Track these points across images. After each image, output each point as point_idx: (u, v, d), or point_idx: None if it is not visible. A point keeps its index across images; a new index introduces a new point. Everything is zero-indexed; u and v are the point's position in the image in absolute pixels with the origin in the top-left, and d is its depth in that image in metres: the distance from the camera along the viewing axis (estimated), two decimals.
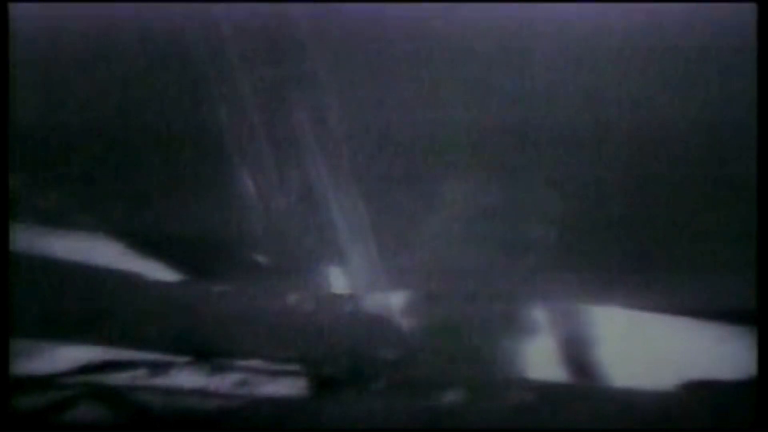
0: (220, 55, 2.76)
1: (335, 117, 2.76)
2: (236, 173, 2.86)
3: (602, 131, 2.65)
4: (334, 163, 2.79)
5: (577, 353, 2.63)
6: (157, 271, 2.86)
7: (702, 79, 2.57)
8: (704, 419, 2.23)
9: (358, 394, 2.45)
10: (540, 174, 2.72)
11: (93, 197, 2.95)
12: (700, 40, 2.54)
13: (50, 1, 2.79)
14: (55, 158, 2.93)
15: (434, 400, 2.37)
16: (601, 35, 2.59)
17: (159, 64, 2.82)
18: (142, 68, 2.84)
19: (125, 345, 2.60)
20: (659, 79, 2.60)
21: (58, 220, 2.93)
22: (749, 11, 2.39)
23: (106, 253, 2.88)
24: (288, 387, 2.52)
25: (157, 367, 2.56)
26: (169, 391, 2.47)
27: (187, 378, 2.53)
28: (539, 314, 2.68)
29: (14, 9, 2.64)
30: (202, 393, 2.47)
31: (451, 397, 2.37)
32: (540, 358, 2.63)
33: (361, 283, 2.82)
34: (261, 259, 2.91)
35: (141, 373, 2.55)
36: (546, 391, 2.47)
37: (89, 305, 2.67)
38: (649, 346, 2.59)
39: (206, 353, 2.59)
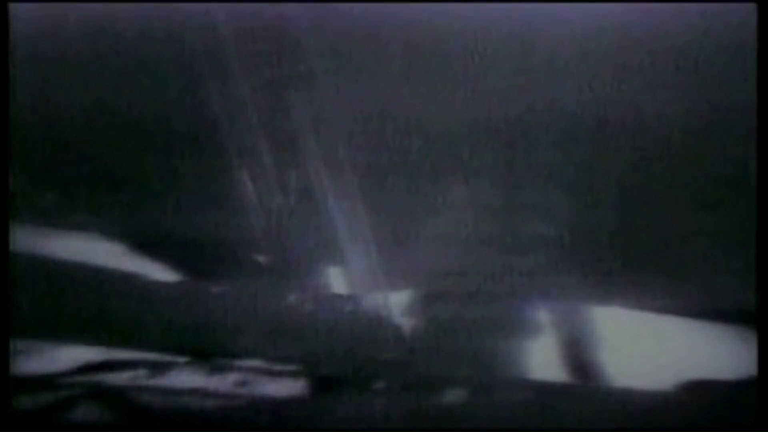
0: (220, 55, 2.76)
1: (335, 117, 2.76)
2: (236, 173, 2.86)
3: (602, 131, 2.65)
4: (334, 163, 2.79)
5: (577, 353, 2.63)
6: (157, 271, 2.86)
7: (702, 79, 2.57)
8: (704, 419, 2.23)
9: (358, 394, 2.45)
10: (540, 174, 2.72)
11: (93, 197, 2.95)
12: (700, 40, 2.54)
13: (50, 1, 2.79)
14: (55, 158, 2.93)
15: (434, 400, 2.37)
16: (601, 35, 2.59)
17: (159, 64, 2.82)
18: (142, 68, 2.84)
19: (125, 345, 2.60)
20: (659, 79, 2.60)
21: (58, 220, 2.93)
22: (749, 11, 2.39)
23: (106, 253, 2.88)
24: (288, 387, 2.52)
25: (157, 367, 2.56)
26: (169, 391, 2.47)
27: (187, 378, 2.53)
28: (539, 314, 2.68)
29: (14, 9, 2.64)
30: (202, 393, 2.47)
31: (451, 396, 2.37)
32: (540, 358, 2.63)
33: (361, 283, 2.82)
34: (261, 259, 2.91)
35: (141, 373, 2.55)
36: (545, 390, 2.47)
37: (89, 305, 2.67)
38: (649, 346, 2.59)
39: (206, 353, 2.59)
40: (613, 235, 2.69)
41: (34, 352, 2.57)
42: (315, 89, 2.76)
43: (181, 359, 2.59)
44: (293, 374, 2.55)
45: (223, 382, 2.52)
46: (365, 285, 2.81)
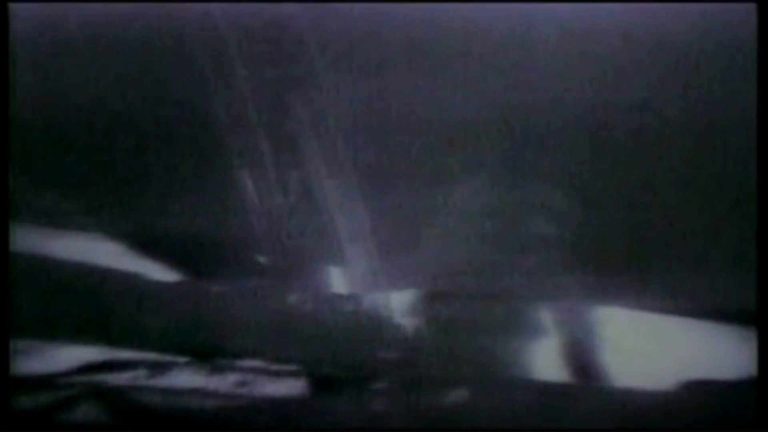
0: (220, 55, 2.76)
1: (335, 117, 2.76)
2: (236, 173, 2.86)
3: (602, 131, 2.65)
4: (334, 163, 2.79)
5: (577, 353, 2.63)
6: (157, 271, 2.86)
7: (702, 79, 2.57)
8: (704, 419, 2.23)
9: (358, 394, 2.45)
10: (541, 173, 2.72)
11: (93, 197, 2.95)
12: (700, 40, 2.54)
13: (50, 1, 2.79)
14: (55, 158, 2.93)
15: (435, 400, 2.37)
16: (601, 35, 2.59)
17: (159, 64, 2.82)
18: (142, 68, 2.84)
19: (125, 345, 2.60)
20: (659, 79, 2.60)
21: (58, 220, 2.92)
22: (749, 11, 2.39)
23: (106, 253, 2.88)
24: (288, 387, 2.51)
25: (157, 367, 2.56)
26: (169, 391, 2.47)
27: (187, 378, 2.53)
28: (539, 314, 2.68)
29: (14, 9, 2.64)
30: (202, 393, 2.47)
31: (452, 397, 2.37)
32: (540, 358, 2.63)
33: (361, 283, 2.82)
34: (261, 259, 2.91)
35: (141, 373, 2.55)
36: (546, 390, 2.47)
37: (89, 305, 2.67)
38: (649, 346, 2.59)
39: (206, 353, 2.59)
40: (614, 235, 2.69)
41: (34, 352, 2.57)
42: (315, 89, 2.76)
43: (181, 359, 2.59)
44: (293, 374, 2.54)
45: (223, 382, 2.52)
46: (366, 285, 2.81)
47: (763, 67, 2.33)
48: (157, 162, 2.89)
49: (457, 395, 2.37)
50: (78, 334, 2.61)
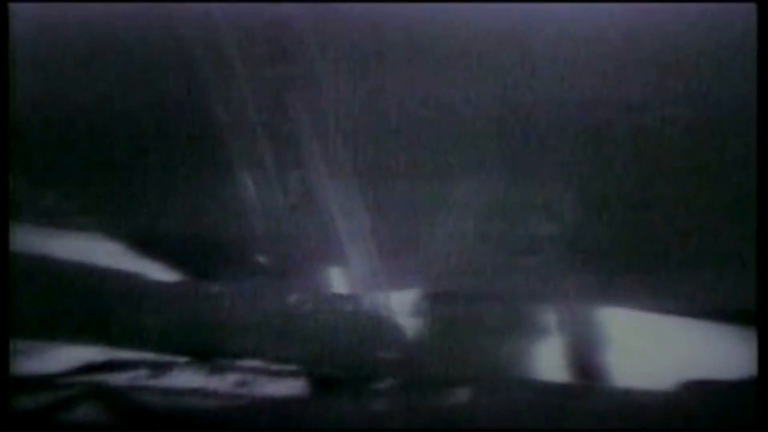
0: (220, 55, 2.76)
1: (335, 117, 2.76)
2: (236, 173, 2.86)
3: (602, 131, 2.65)
4: (334, 163, 2.79)
5: (577, 353, 2.63)
6: (157, 271, 2.86)
7: (702, 79, 2.57)
8: (704, 419, 2.23)
9: (358, 394, 2.45)
10: (541, 173, 2.72)
11: (93, 197, 2.95)
12: (700, 40, 2.54)
13: (50, 1, 2.79)
14: (55, 158, 2.93)
15: (436, 400, 2.37)
16: (601, 35, 2.59)
17: (159, 64, 2.82)
18: (142, 68, 2.84)
19: (125, 345, 2.60)
20: (659, 79, 2.60)
21: (58, 220, 2.93)
22: (749, 11, 2.39)
23: (106, 253, 2.88)
24: (288, 387, 2.51)
25: (157, 367, 2.56)
26: (169, 391, 2.47)
27: (187, 378, 2.53)
28: (540, 314, 2.68)
29: (14, 9, 2.64)
30: (202, 393, 2.47)
31: (452, 397, 2.37)
32: (540, 358, 2.63)
33: (361, 283, 2.82)
34: (261, 259, 2.91)
35: (141, 373, 2.55)
36: (546, 390, 2.47)
37: (89, 305, 2.67)
38: (650, 346, 2.59)
39: (206, 353, 2.59)
40: (614, 235, 2.69)
41: (34, 352, 2.57)
42: (315, 89, 2.76)
43: (181, 359, 2.59)
44: (293, 374, 2.54)
45: (223, 382, 2.52)
46: (366, 285, 2.81)
47: (763, 67, 2.33)
48: (157, 162, 2.89)
49: (458, 395, 2.37)
50: (78, 334, 2.61)
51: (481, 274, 2.74)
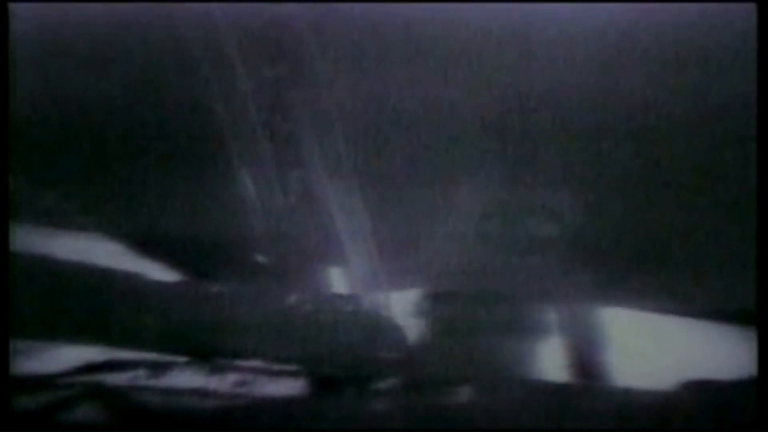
0: (220, 55, 2.76)
1: (335, 117, 2.76)
2: (236, 173, 2.86)
3: (602, 131, 2.65)
4: (334, 163, 2.79)
5: (577, 353, 2.63)
6: (157, 271, 2.86)
7: (702, 79, 2.57)
8: (704, 419, 2.23)
9: (359, 394, 2.45)
10: (541, 173, 2.72)
11: (93, 197, 2.95)
12: (700, 40, 2.54)
13: (50, 1, 2.79)
14: (55, 158, 2.93)
15: (435, 401, 2.37)
16: (600, 35, 2.59)
17: (159, 64, 2.82)
18: (142, 68, 2.84)
19: (125, 345, 2.60)
20: (659, 79, 2.60)
21: (58, 220, 2.93)
22: (749, 11, 2.39)
23: (106, 253, 2.88)
24: (288, 387, 2.51)
25: (157, 367, 2.56)
26: (169, 391, 2.47)
27: (187, 378, 2.53)
28: (540, 314, 2.68)
29: (14, 9, 2.64)
30: (202, 393, 2.47)
31: (452, 397, 2.37)
32: (540, 358, 2.63)
33: (361, 283, 2.82)
34: (261, 259, 2.91)
35: (141, 373, 2.55)
36: (546, 390, 2.47)
37: (89, 305, 2.67)
38: (650, 346, 2.59)
39: (206, 353, 2.59)
40: (614, 235, 2.69)
41: (34, 352, 2.57)
42: (315, 89, 2.76)
43: (181, 359, 2.58)
44: (293, 374, 2.54)
45: (223, 382, 2.52)
46: (366, 285, 2.81)
47: (763, 67, 2.33)
48: (157, 162, 2.89)
49: (457, 395, 2.37)
50: (78, 334, 2.61)
51: (481, 274, 2.74)
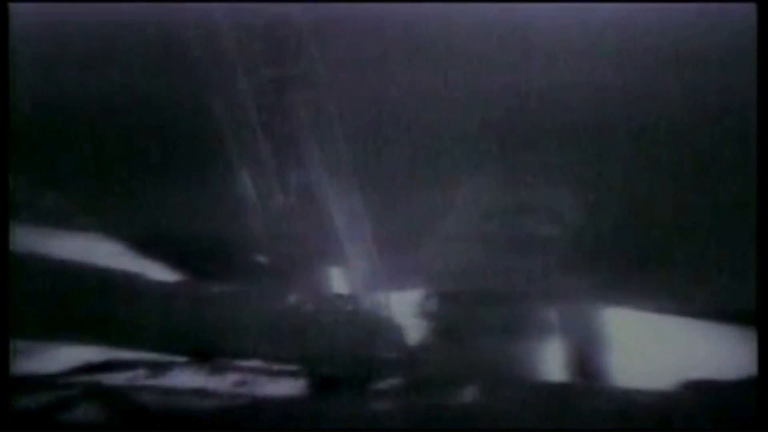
0: (220, 55, 2.76)
1: (335, 117, 2.76)
2: (236, 173, 2.86)
3: (602, 132, 2.65)
4: (334, 163, 2.79)
5: (577, 353, 2.63)
6: (157, 271, 2.86)
7: (702, 79, 2.57)
8: (704, 419, 2.23)
9: (359, 395, 2.45)
10: (541, 173, 2.72)
11: (93, 197, 2.95)
12: (700, 40, 2.54)
13: (50, 1, 2.79)
14: (55, 158, 2.93)
15: (435, 400, 2.37)
16: (601, 35, 2.59)
17: (159, 64, 2.82)
18: (142, 68, 2.84)
19: (125, 345, 2.60)
20: (659, 79, 2.60)
21: (58, 220, 2.93)
22: (749, 11, 2.39)
23: (106, 253, 2.88)
24: (288, 387, 2.51)
25: (157, 367, 2.56)
26: (169, 391, 2.47)
27: (187, 378, 2.53)
28: (540, 315, 2.68)
29: (14, 9, 2.64)
30: (202, 393, 2.47)
31: (452, 397, 2.37)
32: (540, 358, 2.63)
33: (361, 283, 2.82)
34: (261, 259, 2.91)
35: (141, 373, 2.55)
36: (546, 390, 2.47)
37: (89, 305, 2.67)
38: (650, 346, 2.59)
39: (206, 353, 2.59)
40: (614, 235, 2.69)
41: (34, 352, 2.57)
42: (315, 89, 2.76)
43: (181, 359, 2.59)
44: (293, 374, 2.54)
45: (223, 382, 2.52)
46: (366, 285, 2.81)
47: (763, 67, 2.33)
48: (157, 162, 2.89)
49: (458, 395, 2.37)
50: (78, 334, 2.61)
51: (481, 275, 2.74)
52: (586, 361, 2.62)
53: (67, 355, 2.59)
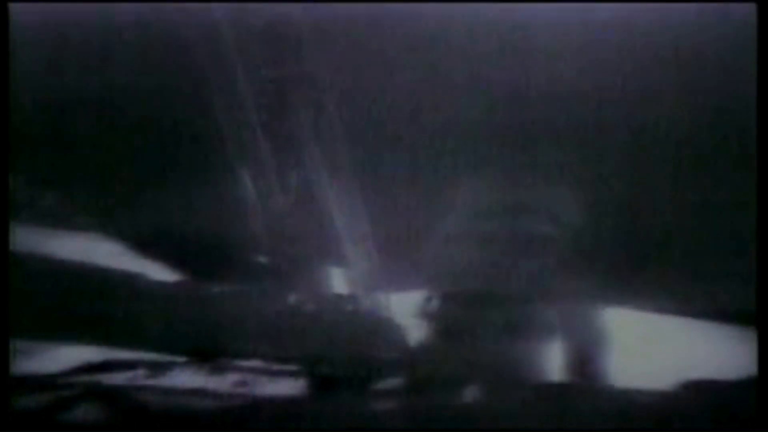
0: (220, 55, 2.76)
1: (335, 117, 2.76)
2: (236, 173, 2.86)
3: (602, 132, 2.65)
4: (334, 163, 2.79)
5: (577, 353, 2.63)
6: (157, 271, 2.86)
7: (702, 79, 2.57)
8: (704, 419, 2.23)
9: (359, 395, 2.45)
10: (541, 174, 2.72)
11: (93, 197, 2.95)
12: (700, 40, 2.54)
13: (50, 1, 2.79)
14: (56, 158, 2.93)
15: (434, 400, 2.37)
16: (601, 36, 2.59)
17: (159, 65, 2.82)
18: (142, 68, 2.84)
19: (125, 345, 2.60)
20: (659, 79, 2.60)
21: (58, 220, 2.93)
22: (749, 11, 2.39)
23: (106, 253, 2.88)
24: (288, 387, 2.52)
25: (157, 367, 2.56)
26: (169, 391, 2.47)
27: (187, 378, 2.53)
28: (539, 315, 2.68)
29: (14, 9, 2.64)
30: (202, 393, 2.47)
31: (452, 397, 2.37)
32: (540, 359, 2.63)
33: (362, 284, 2.82)
34: (261, 259, 2.91)
35: (141, 373, 2.55)
36: (545, 390, 2.47)
37: (89, 305, 2.67)
38: (650, 346, 2.59)
39: (206, 353, 2.59)
40: (614, 235, 2.69)
41: (34, 352, 2.57)
42: (315, 89, 2.76)
43: (181, 359, 2.59)
44: (293, 374, 2.55)
45: (223, 382, 2.52)
46: (366, 285, 2.81)
47: (763, 67, 2.33)
48: (157, 162, 2.89)
49: (457, 395, 2.37)
50: (78, 334, 2.61)
51: (481, 275, 2.74)
52: (586, 361, 2.62)
53: (67, 355, 2.59)
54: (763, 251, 2.26)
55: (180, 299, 2.74)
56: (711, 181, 2.63)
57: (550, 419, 2.28)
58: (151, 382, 2.52)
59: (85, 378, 2.52)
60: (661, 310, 2.65)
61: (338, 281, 2.86)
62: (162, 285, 2.81)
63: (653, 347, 2.58)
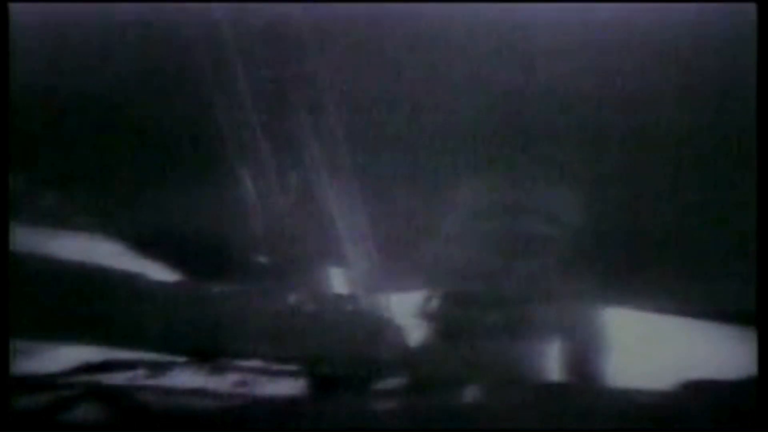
0: (220, 55, 2.76)
1: (335, 117, 2.76)
2: (236, 173, 2.86)
3: (602, 132, 2.65)
4: (334, 163, 2.79)
5: (577, 353, 2.63)
6: (157, 271, 2.86)
7: (702, 79, 2.57)
8: (704, 419, 2.23)
9: (359, 395, 2.45)
10: (541, 173, 2.72)
11: (93, 197, 2.95)
12: (701, 40, 2.54)
13: (50, 1, 2.79)
14: (55, 158, 2.93)
15: (434, 401, 2.37)
16: (600, 36, 2.59)
17: (159, 65, 2.82)
18: (142, 68, 2.84)
19: (125, 345, 2.60)
20: (659, 78, 2.60)
21: (58, 220, 2.92)
22: (749, 11, 2.39)
23: (106, 253, 2.88)
24: (288, 387, 2.51)
25: (157, 367, 2.56)
26: (169, 391, 2.47)
27: (187, 378, 2.53)
28: (539, 315, 2.68)
29: (14, 9, 2.64)
30: (202, 393, 2.47)
31: (452, 397, 2.37)
32: (540, 359, 2.63)
33: (362, 284, 2.82)
34: (261, 259, 2.91)
35: (141, 373, 2.55)
36: (545, 390, 2.47)
37: (89, 305, 2.67)
38: (649, 346, 2.59)
39: (206, 353, 2.59)
40: (614, 235, 2.69)
41: (34, 352, 2.57)
42: (315, 89, 2.76)
43: (181, 359, 2.59)
44: (293, 374, 2.54)
45: (223, 382, 2.52)
46: (366, 285, 2.81)
47: (763, 67, 2.33)
48: (157, 162, 2.89)
49: (457, 396, 2.37)
50: (78, 334, 2.61)
51: (481, 275, 2.74)
52: (586, 361, 2.62)
53: (67, 355, 2.59)
54: (763, 251, 2.26)
55: (180, 299, 2.74)
56: (711, 181, 2.63)
57: (550, 419, 2.28)
58: (151, 382, 2.52)
59: (85, 378, 2.52)
60: (661, 310, 2.65)
61: (338, 281, 2.86)
62: (162, 285, 2.81)
63: (653, 347, 2.58)
